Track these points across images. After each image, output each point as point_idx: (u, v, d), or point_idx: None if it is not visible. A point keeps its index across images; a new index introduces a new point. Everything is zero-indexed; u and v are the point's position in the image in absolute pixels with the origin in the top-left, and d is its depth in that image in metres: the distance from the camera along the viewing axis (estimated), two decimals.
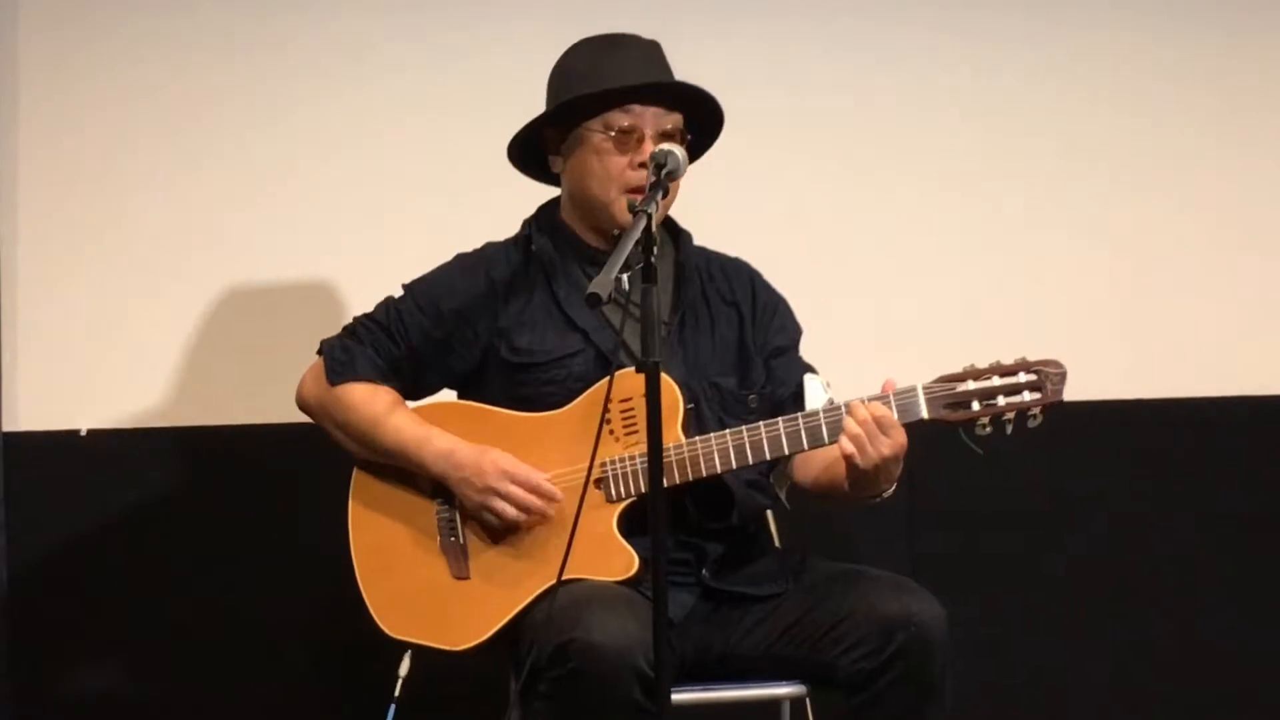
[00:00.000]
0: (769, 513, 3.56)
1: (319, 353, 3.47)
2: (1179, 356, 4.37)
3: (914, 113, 4.33)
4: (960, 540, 4.30)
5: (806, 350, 3.56)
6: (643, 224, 2.95)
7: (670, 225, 3.54)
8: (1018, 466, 4.19)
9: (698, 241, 3.56)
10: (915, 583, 3.27)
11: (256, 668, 4.13)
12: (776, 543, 3.56)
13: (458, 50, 4.21)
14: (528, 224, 3.53)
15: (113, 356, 4.11)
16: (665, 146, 3.15)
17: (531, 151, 3.50)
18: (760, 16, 4.28)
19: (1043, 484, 4.32)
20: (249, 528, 4.12)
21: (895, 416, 3.17)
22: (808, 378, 3.48)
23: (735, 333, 3.48)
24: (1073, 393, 3.23)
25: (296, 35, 4.18)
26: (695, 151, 3.46)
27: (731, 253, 3.60)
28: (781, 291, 3.59)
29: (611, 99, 3.38)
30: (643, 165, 3.33)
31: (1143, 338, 4.38)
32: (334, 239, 4.18)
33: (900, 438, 3.18)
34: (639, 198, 3.17)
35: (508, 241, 3.53)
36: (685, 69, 3.48)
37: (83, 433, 4.10)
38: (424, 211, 4.17)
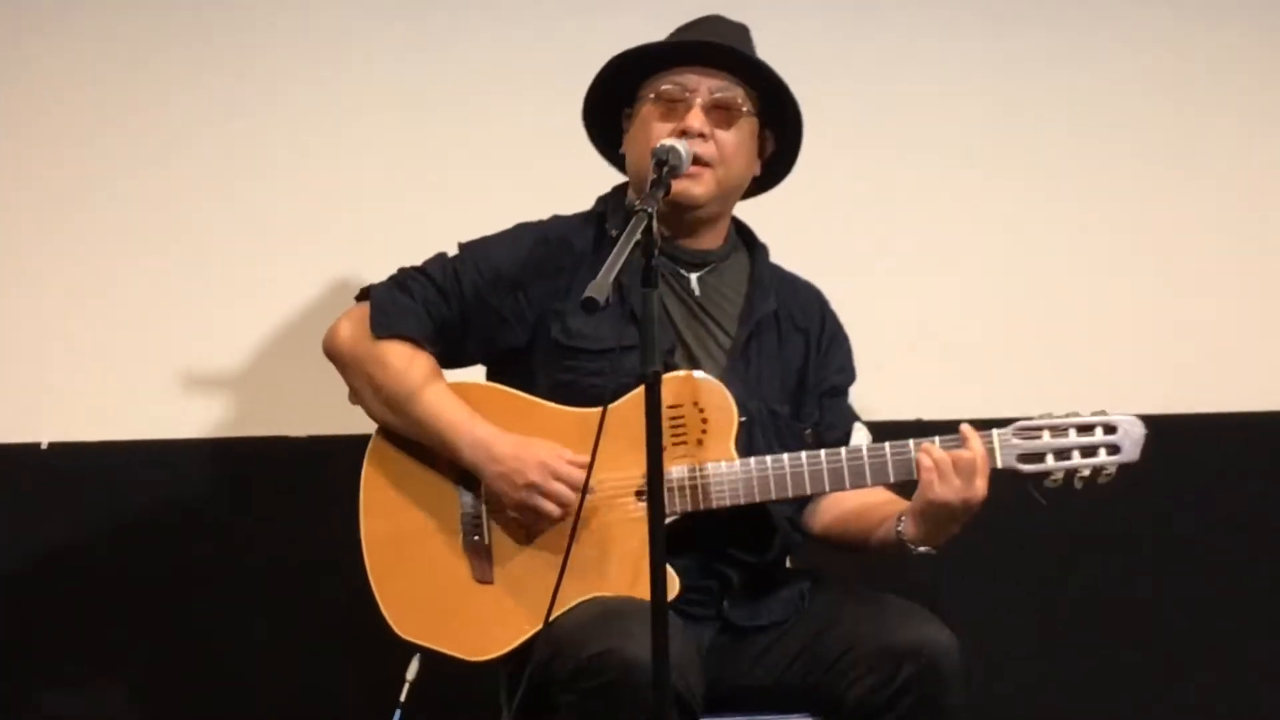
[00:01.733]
0: None
1: (359, 298, 3.33)
2: (1220, 370, 4.26)
3: (938, 117, 4.26)
4: (981, 563, 4.13)
5: None
6: (643, 224, 2.82)
7: (747, 235, 3.45)
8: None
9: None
10: (927, 609, 3.16)
11: (233, 683, 4.03)
12: (787, 564, 3.45)
13: (456, 31, 4.13)
14: (602, 200, 3.40)
15: (75, 367, 4.04)
16: (668, 142, 3.05)
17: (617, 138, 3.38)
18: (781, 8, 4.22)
19: (1068, 504, 4.11)
20: (219, 544, 4.04)
21: (978, 461, 3.07)
22: (856, 426, 3.39)
23: (800, 361, 3.37)
24: (1106, 409, 3.10)
25: (276, 15, 4.11)
26: (783, 158, 3.38)
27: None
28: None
29: (654, 63, 3.27)
30: (684, 133, 3.21)
31: (1180, 351, 4.27)
32: (315, 239, 4.09)
33: (976, 490, 3.08)
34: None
35: (577, 216, 3.39)
36: None
37: (44, 446, 4.02)
38: (410, 208, 4.09)
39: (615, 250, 2.80)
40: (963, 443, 3.08)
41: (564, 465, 3.14)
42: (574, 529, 2.97)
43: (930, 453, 3.06)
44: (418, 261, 3.36)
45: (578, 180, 3.44)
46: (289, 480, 3.94)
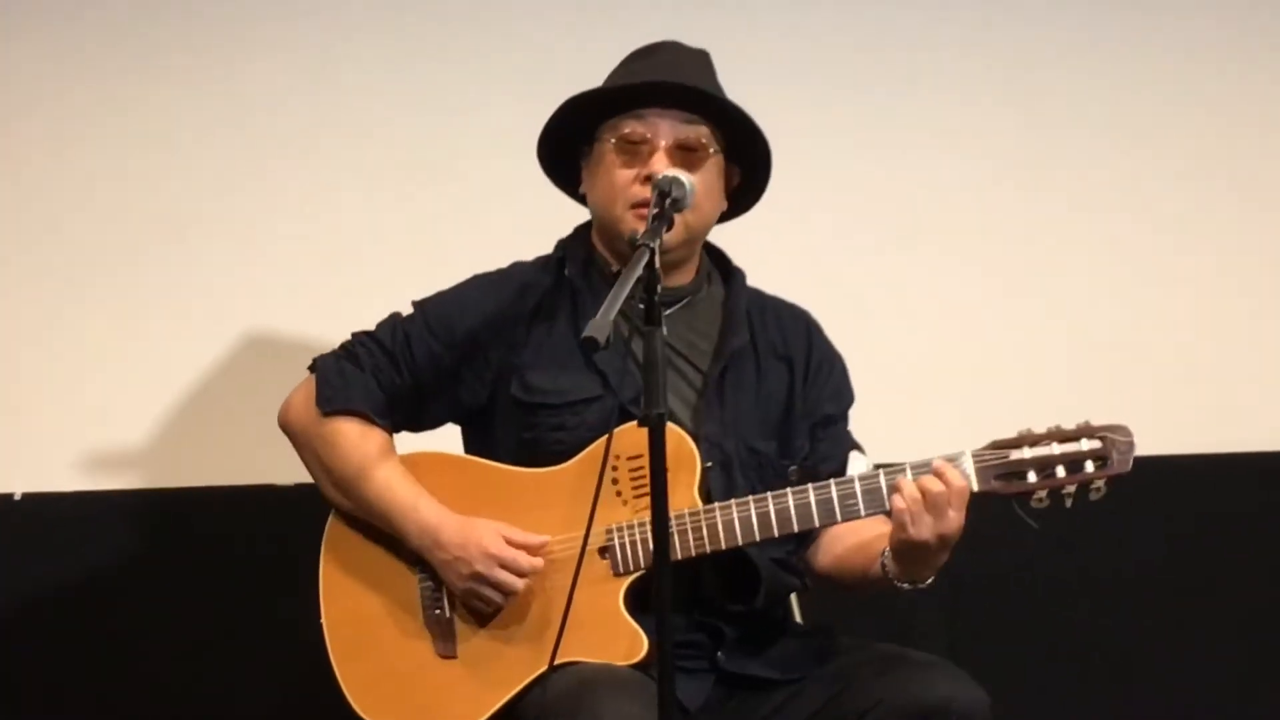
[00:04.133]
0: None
1: (311, 369, 3.29)
2: (1255, 407, 4.19)
3: (956, 144, 4.22)
4: (1005, 615, 4.13)
5: None
6: (644, 259, 2.76)
7: (721, 261, 3.37)
8: (1072, 531, 3.95)
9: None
10: (954, 665, 3.09)
11: None
12: (799, 620, 3.37)
13: (443, 51, 4.11)
14: (561, 245, 3.35)
15: (49, 415, 4.02)
16: (671, 172, 2.99)
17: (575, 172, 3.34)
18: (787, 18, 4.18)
19: (1099, 550, 4.12)
20: (197, 598, 3.99)
21: (951, 495, 2.98)
22: (853, 456, 3.29)
23: (784, 391, 3.29)
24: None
25: (263, 27, 4.09)
26: (750, 191, 3.29)
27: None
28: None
29: (616, 102, 3.20)
30: (650, 179, 3.14)
31: (1212, 386, 4.19)
32: (295, 278, 4.07)
33: (951, 523, 2.99)
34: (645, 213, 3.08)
35: (537, 261, 3.35)
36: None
37: (17, 496, 4.00)
38: (405, 240, 4.06)
39: (615, 287, 2.74)
40: (935, 475, 3.00)
41: (509, 552, 3.10)
42: (570, 596, 2.92)
43: (903, 491, 2.98)
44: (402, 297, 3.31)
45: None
46: (278, 529, 3.88)
